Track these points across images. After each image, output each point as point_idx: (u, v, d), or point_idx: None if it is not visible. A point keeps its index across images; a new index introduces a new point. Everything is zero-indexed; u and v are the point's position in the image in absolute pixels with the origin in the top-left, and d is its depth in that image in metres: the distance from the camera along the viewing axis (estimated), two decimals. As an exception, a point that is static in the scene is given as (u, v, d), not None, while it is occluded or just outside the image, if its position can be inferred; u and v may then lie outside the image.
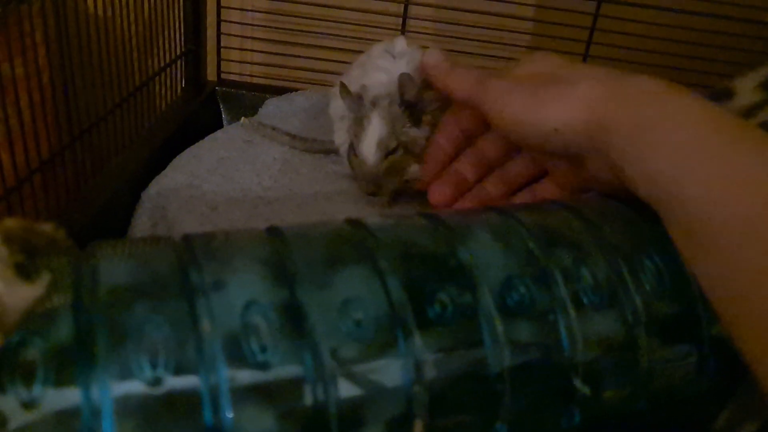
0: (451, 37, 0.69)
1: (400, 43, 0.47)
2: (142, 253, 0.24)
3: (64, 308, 0.21)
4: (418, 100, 0.42)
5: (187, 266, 0.23)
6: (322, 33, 0.70)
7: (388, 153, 0.42)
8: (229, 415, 0.21)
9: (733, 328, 0.24)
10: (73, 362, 0.20)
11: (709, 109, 0.27)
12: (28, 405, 0.19)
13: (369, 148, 0.42)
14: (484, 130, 0.40)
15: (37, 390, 0.19)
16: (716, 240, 0.24)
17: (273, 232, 0.26)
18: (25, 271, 0.20)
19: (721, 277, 0.24)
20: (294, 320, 0.22)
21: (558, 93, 0.31)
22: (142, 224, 0.44)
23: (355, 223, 0.27)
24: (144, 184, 0.48)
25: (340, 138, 0.49)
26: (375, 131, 0.42)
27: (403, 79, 0.41)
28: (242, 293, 0.22)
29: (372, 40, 0.52)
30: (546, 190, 0.39)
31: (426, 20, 0.68)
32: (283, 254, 0.24)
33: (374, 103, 0.42)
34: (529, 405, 0.25)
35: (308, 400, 0.21)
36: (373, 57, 0.48)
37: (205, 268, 0.23)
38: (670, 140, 0.26)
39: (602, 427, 0.27)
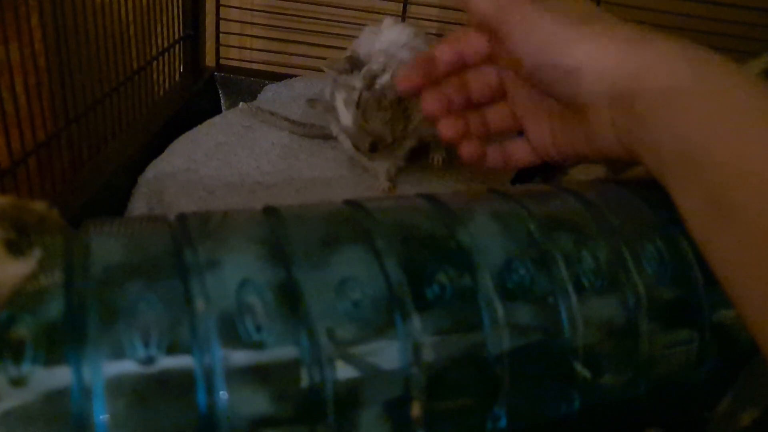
0: (454, 23, 0.68)
1: (387, 22, 0.47)
2: (136, 231, 0.24)
3: (55, 286, 0.20)
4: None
5: (182, 245, 0.22)
6: (322, 19, 0.70)
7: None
8: (224, 395, 0.20)
9: (746, 305, 0.24)
10: (63, 340, 0.19)
11: (742, 74, 0.26)
12: (17, 382, 0.18)
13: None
14: (479, 64, 0.38)
15: (26, 368, 0.19)
16: (742, 205, 0.23)
17: (270, 212, 0.26)
18: (15, 248, 0.20)
19: (742, 246, 0.23)
20: (290, 300, 0.22)
21: (590, 34, 0.29)
22: (138, 208, 0.44)
23: (353, 204, 0.27)
24: (141, 168, 0.48)
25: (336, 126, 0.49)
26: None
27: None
28: (237, 272, 0.22)
29: (373, 26, 0.52)
30: (518, 150, 0.37)
31: (428, 6, 0.67)
32: (280, 234, 0.24)
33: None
34: (529, 389, 0.24)
35: (304, 381, 0.21)
36: (361, 39, 0.48)
37: (199, 246, 0.22)
38: (704, 99, 0.26)
39: (602, 413, 0.27)
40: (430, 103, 0.37)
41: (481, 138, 0.38)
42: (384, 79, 0.42)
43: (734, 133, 0.24)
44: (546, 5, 0.31)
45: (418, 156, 0.49)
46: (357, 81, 0.43)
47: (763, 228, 0.23)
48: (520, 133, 0.38)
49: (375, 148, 0.43)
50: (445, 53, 0.37)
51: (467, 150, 0.37)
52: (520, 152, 0.37)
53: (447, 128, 0.37)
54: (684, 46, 0.28)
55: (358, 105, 0.43)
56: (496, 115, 0.38)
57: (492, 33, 0.33)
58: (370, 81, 0.42)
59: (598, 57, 0.29)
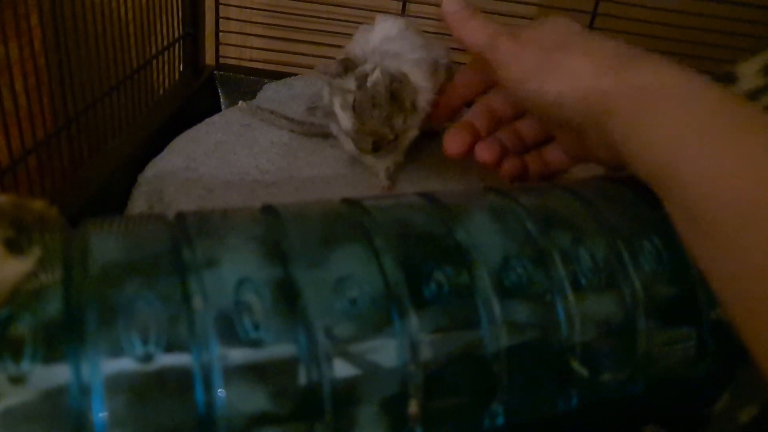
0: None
1: (379, 18, 0.47)
2: (135, 230, 0.24)
3: (54, 284, 0.20)
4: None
5: (180, 243, 0.23)
6: (322, 17, 0.70)
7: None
8: (221, 393, 0.20)
9: (733, 311, 0.24)
10: (62, 338, 0.19)
11: (712, 89, 0.27)
12: (16, 380, 0.18)
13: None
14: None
15: (25, 366, 0.19)
16: (716, 221, 0.23)
17: (268, 210, 0.26)
18: (14, 246, 0.20)
19: (720, 259, 0.24)
20: (287, 298, 0.22)
21: (561, 63, 0.30)
22: (138, 207, 0.44)
23: (351, 203, 0.27)
24: (141, 167, 0.48)
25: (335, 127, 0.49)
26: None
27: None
28: (235, 271, 0.22)
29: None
30: (553, 154, 0.39)
31: (428, 4, 0.67)
32: (278, 232, 0.24)
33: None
34: (526, 386, 0.25)
35: (302, 378, 0.21)
36: (356, 39, 0.48)
37: (197, 245, 0.23)
38: (671, 119, 0.26)
39: (600, 410, 0.27)
40: (452, 143, 0.39)
41: (519, 152, 0.40)
42: (374, 76, 0.42)
43: (702, 150, 0.25)
44: (524, 37, 0.33)
45: (418, 153, 0.49)
46: (351, 83, 0.43)
47: (738, 242, 0.23)
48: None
49: (378, 147, 0.43)
50: (462, 82, 0.40)
51: (509, 167, 0.39)
52: (555, 158, 0.39)
53: (483, 152, 0.39)
54: (652, 65, 0.28)
55: (353, 107, 0.43)
56: (529, 127, 0.40)
57: (486, 63, 0.35)
58: (362, 81, 0.42)
59: (571, 85, 0.30)
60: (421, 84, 0.44)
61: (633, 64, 0.29)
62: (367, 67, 0.43)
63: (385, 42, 0.45)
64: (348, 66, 0.43)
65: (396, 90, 0.42)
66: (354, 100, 0.42)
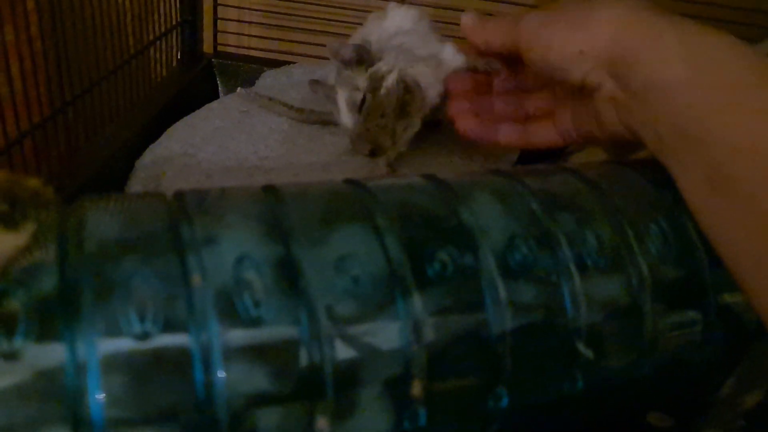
0: (453, 9, 0.67)
1: (391, 5, 0.46)
2: (133, 207, 0.23)
3: (49, 260, 0.20)
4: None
5: (179, 221, 0.22)
6: (321, 5, 0.69)
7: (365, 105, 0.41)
8: (221, 372, 0.20)
9: (751, 280, 0.23)
10: (57, 315, 0.19)
11: (742, 48, 0.26)
12: (8, 356, 0.18)
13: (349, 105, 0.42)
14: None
15: (18, 342, 0.18)
16: (742, 179, 0.23)
17: (268, 190, 0.25)
18: (8, 221, 0.19)
19: (742, 221, 0.23)
20: (288, 276, 0.21)
21: (585, 15, 0.30)
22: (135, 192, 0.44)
23: (353, 183, 0.26)
24: (138, 152, 0.47)
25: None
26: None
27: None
28: (234, 248, 0.21)
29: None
30: (542, 130, 0.39)
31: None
32: (279, 211, 0.23)
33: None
34: (531, 368, 0.24)
35: (303, 358, 0.21)
36: (368, 26, 0.47)
37: (196, 222, 0.22)
38: (700, 75, 0.26)
39: (605, 394, 0.27)
40: (462, 121, 0.39)
41: (518, 121, 0.39)
42: (389, 83, 0.40)
43: (730, 106, 0.24)
44: (544, 9, 0.33)
45: (421, 142, 0.49)
46: (361, 80, 0.42)
47: (760, 202, 0.22)
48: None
49: (375, 153, 0.42)
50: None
51: (463, 125, 0.39)
52: (543, 132, 0.38)
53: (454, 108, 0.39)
54: (678, 21, 0.28)
55: (360, 109, 0.41)
56: (539, 100, 0.39)
57: (510, 55, 0.35)
58: (377, 84, 0.41)
59: (595, 39, 0.30)
60: (430, 83, 0.42)
61: (656, 19, 0.28)
62: (383, 67, 0.41)
63: (399, 35, 0.44)
64: (362, 55, 0.42)
65: (406, 102, 0.41)
66: (362, 103, 0.41)
